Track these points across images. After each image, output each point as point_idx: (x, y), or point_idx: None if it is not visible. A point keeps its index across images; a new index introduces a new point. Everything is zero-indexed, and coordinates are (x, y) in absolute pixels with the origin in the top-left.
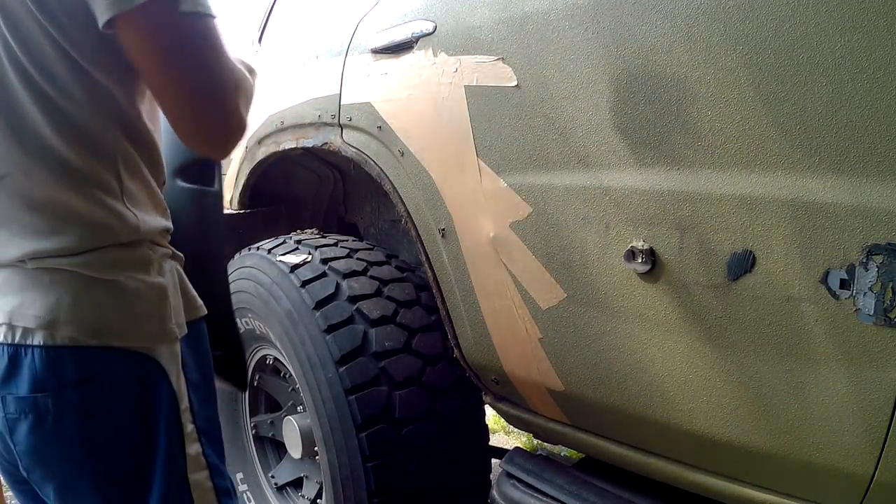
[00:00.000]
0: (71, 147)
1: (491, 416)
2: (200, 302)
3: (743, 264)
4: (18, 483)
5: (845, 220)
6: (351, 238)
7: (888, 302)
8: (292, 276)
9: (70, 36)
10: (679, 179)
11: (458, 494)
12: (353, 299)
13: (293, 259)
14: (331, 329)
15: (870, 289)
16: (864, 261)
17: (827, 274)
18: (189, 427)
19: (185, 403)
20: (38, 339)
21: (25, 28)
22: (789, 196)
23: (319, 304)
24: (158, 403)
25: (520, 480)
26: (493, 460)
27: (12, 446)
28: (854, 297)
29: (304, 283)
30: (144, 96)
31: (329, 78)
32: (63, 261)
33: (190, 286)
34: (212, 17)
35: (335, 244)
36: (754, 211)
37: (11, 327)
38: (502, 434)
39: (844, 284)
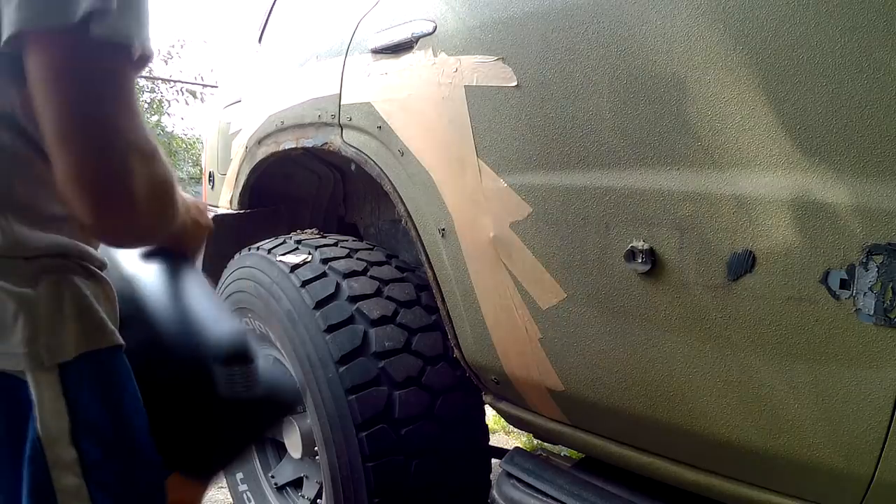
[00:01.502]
0: None
1: (491, 416)
2: (112, 328)
3: (743, 264)
4: None
5: (845, 220)
6: (351, 238)
7: (888, 302)
8: (292, 276)
9: None
10: (679, 179)
11: (458, 494)
12: (353, 299)
13: (293, 259)
14: (331, 329)
15: (870, 289)
16: (864, 261)
17: (827, 274)
18: (68, 481)
19: (58, 451)
20: None
21: None
22: (789, 196)
23: (319, 304)
24: (21, 441)
25: (520, 480)
26: (493, 460)
27: None
28: (854, 297)
29: (304, 283)
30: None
31: (329, 78)
32: None
33: (99, 312)
34: (128, 50)
35: (335, 244)
36: (754, 211)
37: None
38: (502, 434)
39: (844, 284)
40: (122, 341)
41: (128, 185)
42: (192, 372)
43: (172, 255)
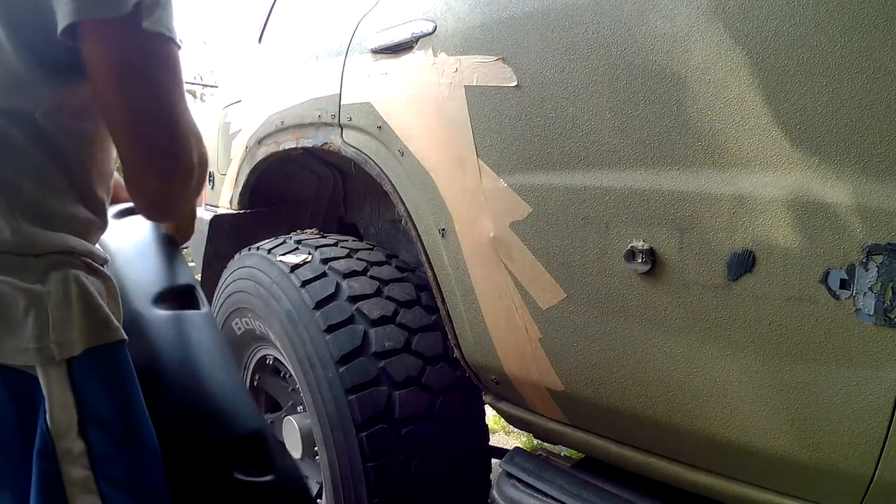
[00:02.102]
0: None
1: (491, 416)
2: (116, 324)
3: (743, 264)
4: None
5: (845, 220)
6: (351, 238)
7: (888, 302)
8: (292, 276)
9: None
10: (679, 179)
11: (458, 494)
12: (353, 299)
13: (293, 259)
14: (331, 329)
15: (870, 289)
16: (864, 261)
17: (827, 274)
18: (77, 473)
19: (66, 444)
20: None
21: None
22: (789, 196)
23: (319, 304)
24: (30, 432)
25: (520, 480)
26: (493, 460)
27: None
28: (854, 297)
29: (304, 283)
30: (72, 112)
31: (329, 78)
32: None
33: (103, 308)
34: (174, 42)
35: (335, 244)
36: (754, 211)
37: None
38: (502, 434)
39: (844, 284)
40: (125, 337)
41: (188, 161)
42: (208, 449)
43: (169, 239)
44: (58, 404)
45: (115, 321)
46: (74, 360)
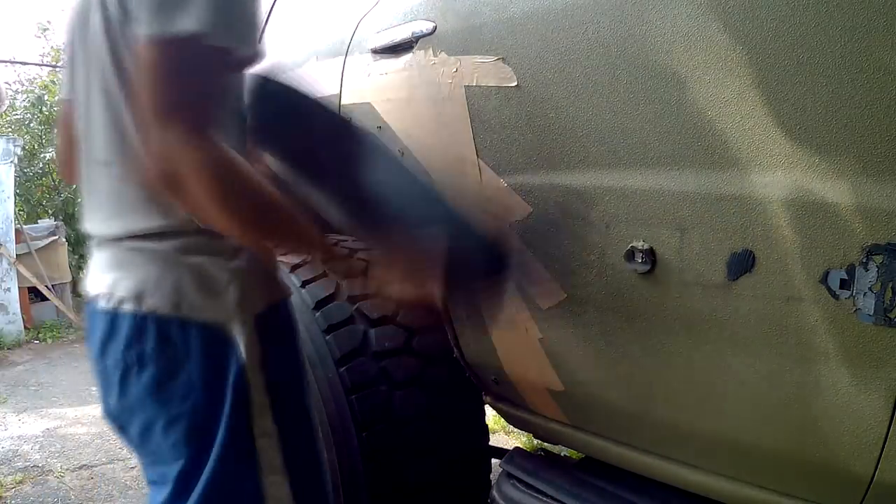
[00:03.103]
0: None
1: (491, 416)
2: (286, 284)
3: (743, 264)
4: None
5: (845, 220)
6: (351, 238)
7: (888, 302)
8: (292, 276)
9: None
10: (679, 179)
11: (458, 494)
12: (353, 299)
13: (293, 259)
14: (331, 329)
15: (870, 289)
16: (864, 261)
17: (827, 274)
18: (260, 398)
19: (257, 377)
20: (128, 307)
21: (113, 24)
22: (789, 196)
23: (319, 304)
24: (226, 371)
25: (520, 480)
26: (493, 460)
27: (109, 391)
28: (854, 297)
29: (304, 283)
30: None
31: (329, 78)
32: (152, 243)
33: (274, 271)
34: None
35: (335, 244)
36: (754, 211)
37: (111, 296)
38: (502, 434)
39: (844, 284)
40: (290, 292)
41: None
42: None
43: None
44: (251, 348)
45: (283, 282)
46: (258, 315)
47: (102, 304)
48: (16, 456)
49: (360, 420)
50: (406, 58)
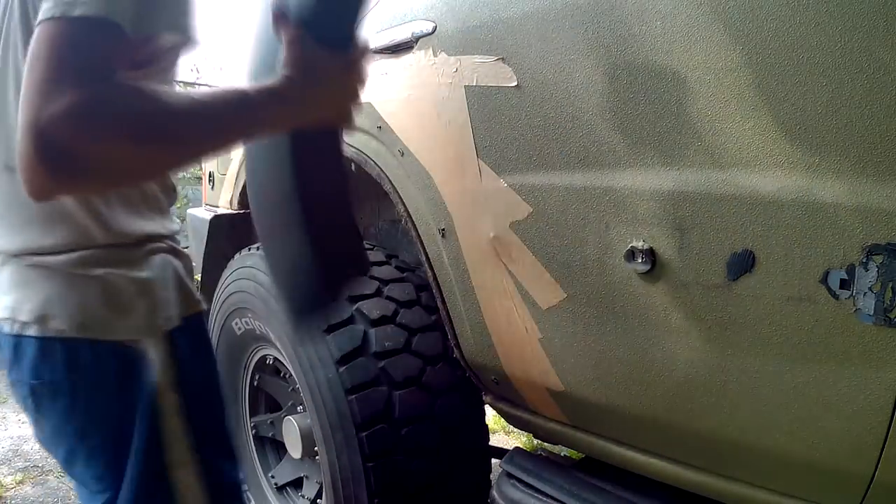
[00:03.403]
0: None
1: (491, 416)
2: (197, 297)
3: (743, 264)
4: None
5: (845, 220)
6: None
7: (888, 302)
8: None
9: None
10: (679, 179)
11: (458, 494)
12: (354, 299)
13: None
14: (331, 329)
15: (870, 289)
16: (864, 261)
17: (827, 274)
18: (174, 424)
19: (171, 397)
20: (32, 331)
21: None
22: (789, 196)
23: None
24: (138, 396)
25: (520, 480)
26: (493, 460)
27: (30, 418)
28: (854, 297)
29: None
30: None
31: None
32: (52, 259)
33: (189, 282)
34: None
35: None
36: (754, 211)
37: (13, 321)
38: (502, 434)
39: (844, 284)
40: (204, 307)
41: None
42: None
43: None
44: (164, 366)
45: (196, 295)
46: (172, 330)
47: (6, 328)
48: (16, 456)
49: (360, 420)
50: (406, 58)
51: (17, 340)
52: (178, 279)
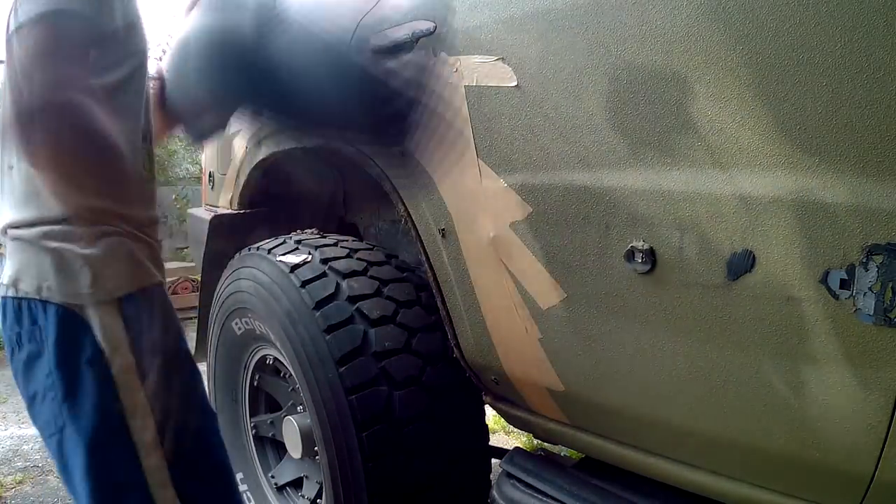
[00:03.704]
0: None
1: (491, 416)
2: (155, 272)
3: (743, 264)
4: None
5: (845, 220)
6: (351, 238)
7: (888, 302)
8: (292, 276)
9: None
10: (679, 179)
11: (458, 494)
12: (353, 299)
13: (293, 259)
14: (331, 329)
15: (870, 289)
16: (864, 261)
17: (827, 274)
18: (126, 378)
19: (120, 358)
20: (9, 293)
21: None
22: (789, 196)
23: (319, 304)
24: (80, 351)
25: (520, 480)
26: (493, 460)
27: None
28: (854, 297)
29: (304, 283)
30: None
31: None
32: (23, 232)
33: (144, 260)
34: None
35: (335, 244)
36: (754, 211)
37: (2, 285)
38: (502, 434)
39: (844, 284)
40: (163, 280)
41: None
42: None
43: None
44: (110, 329)
45: (153, 270)
46: (124, 298)
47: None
48: (16, 456)
49: (360, 420)
50: (406, 58)
51: (3, 301)
52: (132, 258)
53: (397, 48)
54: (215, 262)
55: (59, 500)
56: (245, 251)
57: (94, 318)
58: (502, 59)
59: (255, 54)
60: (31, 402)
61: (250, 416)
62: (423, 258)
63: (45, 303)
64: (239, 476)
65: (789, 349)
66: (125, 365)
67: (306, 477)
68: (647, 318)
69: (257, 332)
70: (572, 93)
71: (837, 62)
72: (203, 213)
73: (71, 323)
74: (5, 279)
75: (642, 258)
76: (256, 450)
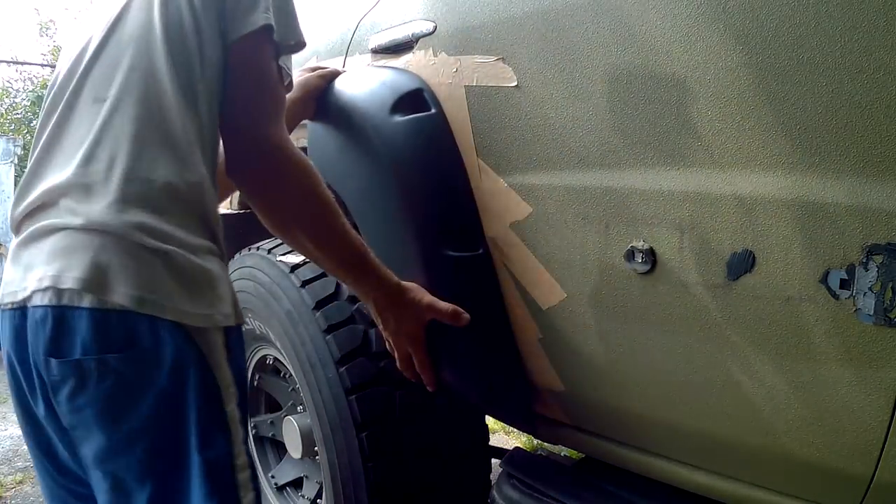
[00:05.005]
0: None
1: None
2: (240, 310)
3: (743, 264)
4: (49, 466)
5: (845, 220)
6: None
7: (888, 302)
8: (292, 276)
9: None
10: (679, 179)
11: (458, 494)
12: (354, 299)
13: (293, 259)
14: (331, 329)
15: (870, 289)
16: (864, 261)
17: (827, 274)
18: (234, 411)
19: (230, 390)
20: (86, 302)
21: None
22: (789, 196)
23: (319, 304)
24: (201, 386)
25: (520, 480)
26: (493, 460)
27: (55, 405)
28: (854, 297)
29: (304, 283)
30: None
31: None
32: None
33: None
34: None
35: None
36: (754, 211)
37: (58, 291)
38: (502, 434)
39: (844, 284)
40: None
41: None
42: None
43: None
44: (220, 358)
45: (238, 306)
46: (228, 329)
47: (38, 300)
48: (16, 456)
49: (360, 420)
50: (406, 58)
51: (61, 313)
52: (231, 288)
53: (397, 48)
54: None
55: None
56: (245, 251)
57: (208, 346)
58: (502, 59)
59: None
60: (122, 441)
61: (250, 417)
62: None
63: (152, 319)
64: None
65: (789, 349)
66: (233, 411)
67: (306, 477)
68: (647, 318)
69: (257, 332)
70: (572, 93)
71: (837, 62)
72: None
73: (187, 348)
74: (71, 282)
75: (642, 258)
76: (256, 450)
